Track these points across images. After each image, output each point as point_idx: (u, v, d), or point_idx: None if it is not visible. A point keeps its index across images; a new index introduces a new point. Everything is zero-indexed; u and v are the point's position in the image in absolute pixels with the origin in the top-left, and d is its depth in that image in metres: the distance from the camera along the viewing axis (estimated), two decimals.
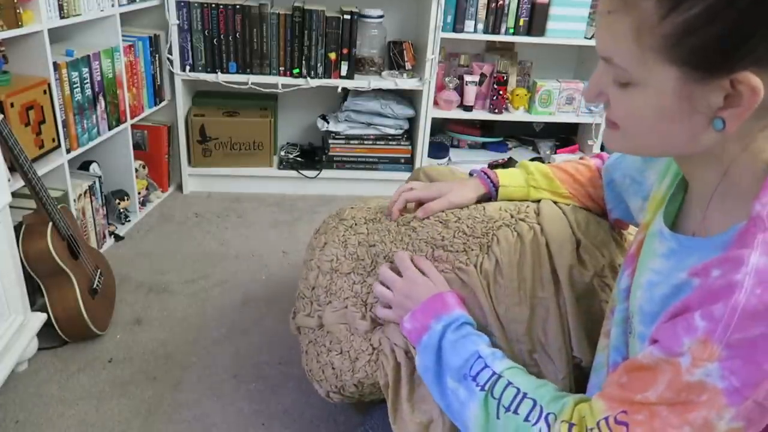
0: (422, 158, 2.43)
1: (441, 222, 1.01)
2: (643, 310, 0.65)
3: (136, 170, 2.11)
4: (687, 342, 0.54)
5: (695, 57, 0.51)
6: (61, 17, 1.58)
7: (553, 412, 0.66)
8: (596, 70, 0.61)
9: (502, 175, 1.06)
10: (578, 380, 0.94)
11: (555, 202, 1.03)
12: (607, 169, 0.99)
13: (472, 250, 0.96)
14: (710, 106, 0.53)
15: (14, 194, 1.31)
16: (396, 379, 0.94)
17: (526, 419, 0.67)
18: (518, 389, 0.71)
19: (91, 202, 1.82)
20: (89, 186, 1.80)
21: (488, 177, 1.06)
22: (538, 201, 1.05)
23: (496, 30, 2.30)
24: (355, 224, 1.09)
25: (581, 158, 1.09)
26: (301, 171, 2.40)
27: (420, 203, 1.06)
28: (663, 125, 0.57)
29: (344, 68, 2.27)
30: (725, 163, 0.58)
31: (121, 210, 2.03)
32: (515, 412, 0.68)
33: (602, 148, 2.60)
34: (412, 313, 0.87)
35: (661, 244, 0.66)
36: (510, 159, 2.61)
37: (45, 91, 1.53)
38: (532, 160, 2.56)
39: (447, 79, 2.40)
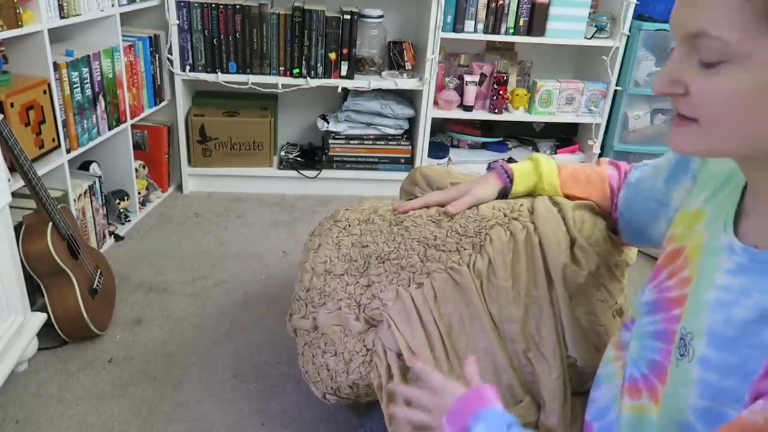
0: (422, 158, 2.43)
1: (434, 222, 1.01)
2: (714, 333, 0.58)
3: (136, 170, 2.11)
4: None
5: None
6: (61, 17, 1.58)
7: None
8: (671, 57, 0.55)
9: (517, 177, 1.04)
10: (573, 380, 0.94)
11: (552, 198, 1.02)
12: (628, 192, 0.96)
13: (465, 249, 0.96)
14: None
15: (14, 194, 1.32)
16: (389, 380, 0.94)
17: None
18: None
19: (91, 202, 1.82)
20: (89, 186, 1.80)
21: (505, 171, 1.05)
22: (534, 197, 1.04)
23: (496, 30, 2.30)
24: (349, 225, 1.09)
25: (598, 161, 1.05)
26: (301, 171, 2.40)
27: (440, 206, 1.06)
28: (758, 109, 0.51)
29: (344, 68, 2.27)
30: None
31: (121, 210, 2.03)
32: None
33: (602, 148, 2.60)
34: (447, 417, 0.74)
35: (729, 259, 0.59)
36: (510, 159, 2.61)
37: (45, 91, 1.53)
38: None
39: (447, 79, 2.40)
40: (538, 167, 1.05)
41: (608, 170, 1.02)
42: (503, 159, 2.60)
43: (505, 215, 0.99)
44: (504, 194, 1.06)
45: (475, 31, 2.29)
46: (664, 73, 0.55)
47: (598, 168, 1.03)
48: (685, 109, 0.55)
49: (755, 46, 0.49)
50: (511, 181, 1.04)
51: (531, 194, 1.06)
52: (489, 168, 1.09)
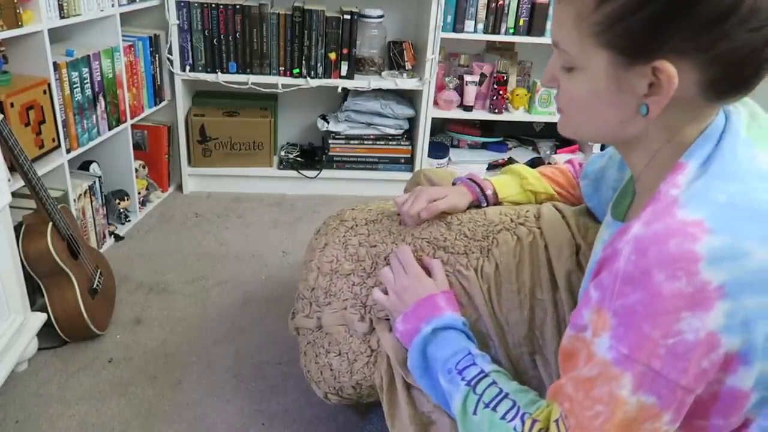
0: (422, 158, 2.43)
1: (444, 223, 1.01)
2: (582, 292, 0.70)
3: (136, 170, 2.11)
4: (586, 314, 0.56)
5: (621, 42, 0.57)
6: (61, 17, 1.58)
7: (529, 413, 0.69)
8: (551, 57, 0.66)
9: (499, 187, 1.07)
10: None
11: (555, 206, 1.03)
12: (588, 182, 1.00)
13: (473, 252, 0.96)
14: (636, 92, 0.58)
15: (14, 194, 1.31)
16: (390, 381, 0.94)
17: (503, 417, 0.70)
18: (501, 389, 0.74)
19: (91, 202, 1.82)
20: (89, 186, 1.80)
21: (474, 183, 1.07)
22: (540, 203, 1.05)
23: (496, 30, 2.30)
24: (356, 225, 1.09)
25: (551, 164, 1.13)
26: (301, 171, 2.40)
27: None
28: (597, 108, 0.62)
29: (344, 68, 2.27)
30: (651, 152, 0.64)
31: (121, 210, 2.03)
32: (494, 409, 0.71)
33: (602, 149, 2.60)
34: (404, 316, 0.89)
35: (605, 231, 0.72)
36: (510, 159, 2.61)
37: (45, 91, 1.53)
38: (532, 159, 2.59)
39: (447, 79, 2.40)
40: (515, 171, 1.09)
41: (564, 165, 1.11)
42: (503, 159, 2.61)
43: (511, 220, 1.00)
44: (476, 206, 1.07)
45: (475, 31, 2.29)
46: (546, 70, 0.67)
47: (557, 165, 1.12)
48: (557, 101, 0.68)
49: (590, 57, 0.59)
50: (484, 193, 1.06)
51: (528, 199, 1.08)
52: (455, 181, 1.11)
